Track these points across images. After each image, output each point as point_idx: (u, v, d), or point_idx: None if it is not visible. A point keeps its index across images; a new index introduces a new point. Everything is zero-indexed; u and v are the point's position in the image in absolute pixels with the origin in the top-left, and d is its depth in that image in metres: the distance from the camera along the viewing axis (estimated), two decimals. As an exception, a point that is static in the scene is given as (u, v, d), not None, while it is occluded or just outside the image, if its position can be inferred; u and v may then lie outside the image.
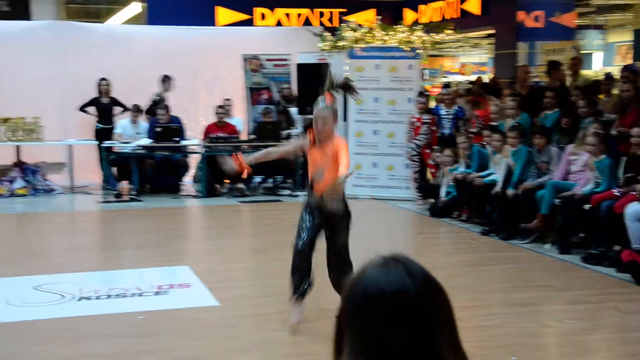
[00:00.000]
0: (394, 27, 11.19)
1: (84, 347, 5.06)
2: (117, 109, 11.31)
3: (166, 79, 11.36)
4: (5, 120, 10.81)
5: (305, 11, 14.80)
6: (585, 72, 12.76)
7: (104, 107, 11.15)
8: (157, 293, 6.27)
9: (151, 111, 11.22)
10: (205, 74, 12.46)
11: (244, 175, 5.33)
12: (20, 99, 11.24)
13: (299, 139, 5.12)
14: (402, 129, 10.41)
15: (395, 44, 10.88)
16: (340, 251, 4.73)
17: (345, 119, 10.77)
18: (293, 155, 5.40)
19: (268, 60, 12.29)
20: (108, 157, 10.83)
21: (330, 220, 4.67)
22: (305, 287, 4.71)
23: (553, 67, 10.14)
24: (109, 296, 6.21)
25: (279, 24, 14.77)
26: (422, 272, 1.30)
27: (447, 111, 10.06)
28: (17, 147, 11.20)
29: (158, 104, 11.18)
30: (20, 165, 11.14)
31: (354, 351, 1.29)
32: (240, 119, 11.84)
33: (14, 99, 11.24)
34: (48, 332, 5.28)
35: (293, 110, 11.39)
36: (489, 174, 8.58)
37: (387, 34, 11.05)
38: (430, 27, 11.79)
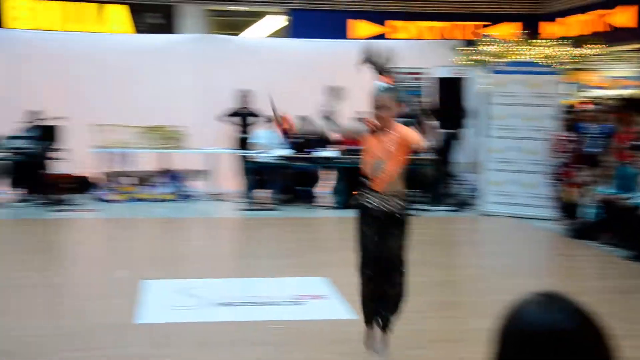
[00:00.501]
0: (536, 41, 12.56)
1: (224, 351, 5.88)
2: (256, 119, 13.27)
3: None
4: (154, 129, 12.97)
5: (441, 24, 16.20)
6: None
7: (244, 117, 13.21)
8: (294, 303, 7.05)
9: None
10: (342, 86, 13.78)
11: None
12: (166, 108, 13.34)
13: (359, 125, 5.30)
14: (543, 146, 11.58)
15: (536, 59, 12.25)
16: (391, 258, 4.87)
17: (485, 135, 12.31)
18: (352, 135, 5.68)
19: (404, 73, 13.38)
20: (248, 166, 12.73)
21: (386, 222, 4.82)
22: (380, 319, 5.05)
23: None
24: (246, 303, 7.05)
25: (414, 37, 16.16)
26: (582, 311, 1.50)
27: (593, 128, 10.96)
28: (164, 154, 13.30)
29: (329, 115, 12.70)
30: (164, 171, 13.31)
31: None
32: None
33: (160, 108, 13.36)
34: (183, 336, 6.12)
35: (434, 123, 12.53)
36: (635, 196, 9.31)
37: (528, 49, 12.45)
38: (577, 42, 12.90)
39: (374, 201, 4.86)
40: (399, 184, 4.91)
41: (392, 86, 5.02)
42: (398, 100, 4.97)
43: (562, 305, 1.53)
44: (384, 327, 5.07)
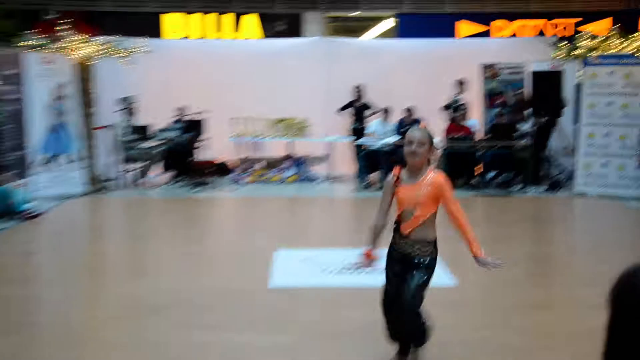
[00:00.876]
0: (631, 35, 12.69)
1: (346, 312, 6.09)
2: (368, 111, 13.75)
3: (461, 83, 13.63)
4: (281, 120, 13.86)
5: (540, 22, 16.48)
6: None
7: (358, 109, 13.72)
8: None
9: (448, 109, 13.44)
10: (447, 81, 14.30)
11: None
12: (292, 102, 14.04)
13: (386, 183, 4.67)
14: (633, 132, 11.92)
15: (631, 52, 12.45)
16: (404, 299, 4.45)
17: (576, 122, 12.86)
18: (390, 207, 4.67)
19: (505, 68, 14.36)
20: (361, 152, 13.26)
21: (407, 266, 4.50)
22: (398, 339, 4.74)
23: None
24: (361, 271, 7.00)
25: (514, 35, 16.53)
26: None
27: None
28: (289, 142, 14.12)
29: (456, 105, 13.39)
30: (291, 157, 14.20)
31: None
32: (477, 121, 13.85)
33: (287, 102, 14.05)
34: (314, 297, 6.47)
35: (527, 112, 13.22)
36: None
37: (623, 43, 12.66)
38: None
39: (400, 244, 4.55)
40: (431, 232, 4.55)
41: (427, 132, 4.50)
42: (432, 143, 4.47)
43: None
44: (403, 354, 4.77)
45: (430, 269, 4.51)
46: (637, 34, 12.77)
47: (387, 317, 4.64)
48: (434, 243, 4.55)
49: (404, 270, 4.53)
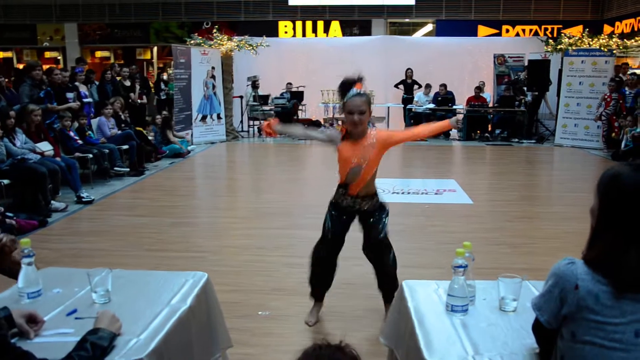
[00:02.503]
0: (596, 36, 12.55)
1: (394, 219, 4.79)
2: (415, 86, 13.73)
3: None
4: None
5: (535, 27, 16.27)
6: None
7: (407, 85, 13.76)
8: (435, 193, 7.40)
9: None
10: (469, 66, 14.69)
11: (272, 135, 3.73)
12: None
13: (330, 131, 3.61)
14: (596, 103, 11.71)
15: (596, 47, 12.26)
16: (378, 244, 3.52)
17: (558, 95, 12.52)
18: (320, 143, 3.60)
19: (509, 57, 14.19)
20: (409, 114, 13.41)
21: (362, 217, 3.52)
22: (319, 293, 3.72)
23: None
24: (409, 193, 7.41)
25: (517, 35, 16.35)
26: None
27: (630, 91, 11.05)
28: None
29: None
30: None
31: (621, 228, 1.49)
32: (489, 94, 13.91)
33: None
34: None
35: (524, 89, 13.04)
36: None
37: (591, 41, 12.45)
38: (624, 37, 12.92)
39: (347, 203, 3.46)
40: (372, 185, 3.48)
41: (364, 92, 3.32)
42: (370, 104, 3.33)
43: None
44: (388, 301, 3.56)
45: (384, 209, 3.53)
46: (600, 35, 12.65)
47: (319, 262, 3.65)
48: (377, 194, 3.53)
49: (350, 220, 3.54)
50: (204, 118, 12.72)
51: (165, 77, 14.45)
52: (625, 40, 12.50)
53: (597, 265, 1.53)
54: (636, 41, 12.64)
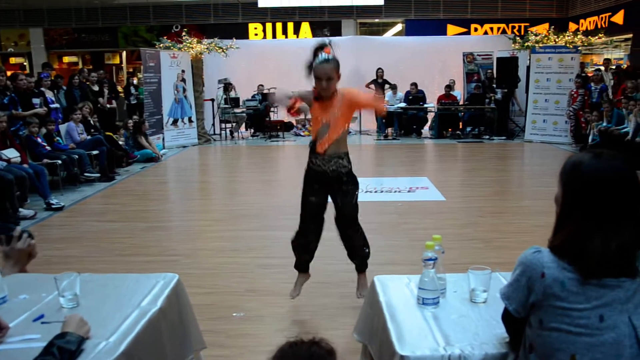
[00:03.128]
0: (562, 34, 12.75)
1: (367, 217, 4.99)
2: (386, 86, 13.61)
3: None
4: None
5: (503, 25, 16.45)
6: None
7: (379, 84, 13.52)
8: (408, 191, 7.41)
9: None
10: (439, 65, 14.68)
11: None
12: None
13: (304, 91, 3.53)
14: (564, 98, 11.91)
15: (563, 44, 12.48)
16: (349, 213, 3.56)
17: (526, 91, 12.75)
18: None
19: (478, 55, 14.31)
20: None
21: (334, 185, 3.51)
22: (304, 263, 3.81)
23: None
24: (381, 191, 7.40)
25: (485, 33, 16.50)
26: (623, 158, 1.51)
27: (595, 87, 11.35)
28: None
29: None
30: None
31: (584, 214, 1.51)
32: (460, 92, 13.85)
33: None
34: None
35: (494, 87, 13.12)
36: (624, 128, 9.54)
37: (557, 39, 12.68)
38: (589, 34, 13.06)
39: (317, 163, 3.47)
40: (343, 146, 3.49)
41: (332, 56, 3.35)
42: (338, 68, 3.37)
43: (612, 156, 1.54)
44: (361, 270, 3.76)
45: (355, 182, 3.55)
46: (566, 33, 12.80)
47: (302, 235, 3.72)
48: (347, 155, 3.52)
49: (325, 188, 3.56)
50: (175, 122, 12.61)
51: (135, 81, 14.28)
52: (589, 37, 12.73)
53: (562, 252, 1.55)
54: (599, 38, 12.90)
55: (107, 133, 9.89)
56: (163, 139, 12.22)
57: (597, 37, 12.84)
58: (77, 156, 8.20)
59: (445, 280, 2.24)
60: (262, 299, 4.06)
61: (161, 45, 12.73)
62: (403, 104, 13.35)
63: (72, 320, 1.82)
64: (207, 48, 13.09)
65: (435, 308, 2.10)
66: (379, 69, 13.82)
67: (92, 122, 9.58)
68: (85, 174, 8.35)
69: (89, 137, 9.07)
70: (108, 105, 11.47)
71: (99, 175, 8.62)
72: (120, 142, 10.25)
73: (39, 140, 7.89)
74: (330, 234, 5.24)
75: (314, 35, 16.76)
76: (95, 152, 8.71)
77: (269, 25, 17.09)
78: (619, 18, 14.02)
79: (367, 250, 3.75)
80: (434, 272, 2.10)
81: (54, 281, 2.11)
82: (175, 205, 7.64)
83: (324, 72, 3.30)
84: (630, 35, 13.72)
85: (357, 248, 3.66)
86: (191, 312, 2.50)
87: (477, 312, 2.08)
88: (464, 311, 2.09)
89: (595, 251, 1.49)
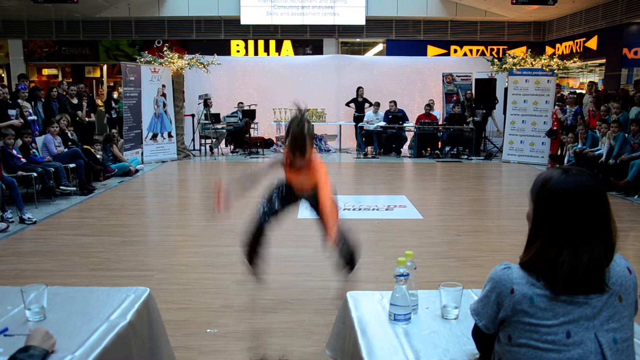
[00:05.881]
0: (538, 57, 12.93)
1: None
2: (366, 104, 13.74)
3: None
4: (306, 110, 14.85)
5: (482, 47, 16.84)
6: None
7: (358, 103, 13.83)
8: (386, 209, 7.40)
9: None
10: (419, 85, 14.82)
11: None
12: (314, 98, 13.62)
13: (274, 158, 3.66)
14: (540, 120, 12.07)
15: (539, 67, 12.65)
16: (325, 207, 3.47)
17: (504, 113, 12.88)
18: (267, 174, 3.71)
19: (457, 76, 14.51)
20: (360, 132, 13.34)
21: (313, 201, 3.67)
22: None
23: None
24: (359, 209, 7.38)
25: (465, 54, 16.82)
26: (593, 175, 1.56)
27: (570, 110, 11.41)
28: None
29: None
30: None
31: (546, 229, 1.53)
32: (439, 112, 14.08)
33: (311, 98, 13.01)
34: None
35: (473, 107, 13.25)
36: (598, 149, 9.71)
37: (534, 62, 12.87)
38: (565, 58, 13.29)
39: (292, 192, 3.74)
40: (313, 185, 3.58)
41: (310, 126, 3.38)
42: (312, 141, 3.40)
43: (580, 172, 1.57)
44: (348, 275, 3.98)
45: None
46: (542, 56, 12.93)
47: (255, 234, 3.87)
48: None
49: (296, 199, 3.71)
50: (154, 136, 12.52)
51: (115, 95, 14.18)
52: (565, 61, 12.98)
53: (532, 267, 1.56)
54: (574, 62, 13.22)
55: (85, 146, 9.78)
56: (142, 153, 12.10)
57: (572, 61, 13.15)
58: (53, 169, 8.09)
59: (417, 296, 2.25)
60: (237, 315, 4.02)
61: (142, 59, 12.67)
62: (383, 123, 13.40)
63: (36, 333, 1.78)
64: (188, 63, 13.05)
65: (406, 324, 2.10)
66: (359, 87, 13.90)
67: (69, 135, 9.48)
68: (61, 187, 8.23)
69: (66, 150, 8.96)
70: (87, 119, 11.36)
71: (75, 188, 8.51)
72: (98, 156, 10.13)
73: (14, 152, 7.77)
74: (306, 250, 5.28)
75: (296, 53, 16.95)
76: (72, 165, 8.60)
77: (251, 42, 17.17)
78: (592, 43, 14.37)
79: (356, 262, 3.95)
80: (405, 288, 2.11)
81: (21, 294, 2.07)
82: (151, 220, 7.54)
83: (301, 142, 3.38)
84: (604, 60, 14.07)
85: (347, 256, 3.88)
86: (162, 327, 2.46)
87: (448, 328, 2.09)
88: (435, 327, 2.09)
89: (563, 266, 1.50)
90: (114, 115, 13.18)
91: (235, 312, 4.08)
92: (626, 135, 9.22)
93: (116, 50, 17.50)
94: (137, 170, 10.79)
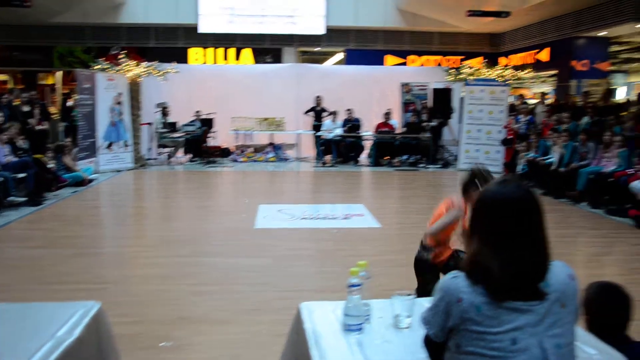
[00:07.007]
0: (493, 67, 13.34)
1: (303, 244, 6.15)
2: (324, 113, 13.75)
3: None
4: (265, 119, 13.86)
5: (439, 57, 17.19)
6: (614, 99, 13.71)
7: (317, 112, 13.83)
8: (344, 218, 7.43)
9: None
10: (377, 94, 14.79)
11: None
12: (274, 107, 13.91)
13: (455, 208, 3.58)
14: (495, 129, 12.31)
15: (494, 77, 13.01)
16: None
17: (460, 122, 13.05)
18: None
19: (415, 85, 14.57)
20: (319, 141, 13.40)
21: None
22: None
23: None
24: (317, 218, 7.40)
25: (422, 65, 17.09)
26: (526, 186, 1.60)
27: (524, 119, 11.76)
28: (271, 134, 14.03)
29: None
30: (271, 144, 14.15)
31: (483, 238, 1.57)
32: (397, 121, 13.94)
33: (270, 107, 13.90)
34: (284, 235, 6.47)
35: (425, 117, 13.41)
36: (549, 158, 9.84)
37: (488, 72, 13.26)
38: (518, 69, 13.66)
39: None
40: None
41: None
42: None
43: (514, 183, 1.62)
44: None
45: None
46: (496, 67, 13.31)
47: None
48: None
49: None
50: (110, 145, 12.28)
51: (71, 103, 13.86)
52: (518, 71, 13.32)
53: (470, 275, 1.58)
54: (527, 73, 13.50)
55: (36, 156, 9.51)
56: (97, 162, 11.85)
57: (525, 72, 13.45)
58: (1, 179, 7.84)
59: (370, 306, 2.26)
60: (192, 327, 3.96)
61: (98, 66, 12.44)
62: (340, 131, 13.45)
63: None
64: (145, 71, 12.86)
65: (359, 334, 2.12)
66: (318, 96, 13.93)
67: (19, 143, 9.21)
68: (10, 198, 7.98)
69: (15, 159, 8.70)
70: (39, 127, 11.06)
71: (25, 199, 8.26)
72: (50, 165, 9.87)
73: (-39, 161, 7.51)
74: (263, 260, 5.27)
75: (256, 61, 16.90)
76: (22, 175, 8.35)
77: (210, 51, 17.06)
78: (545, 55, 14.87)
79: None
80: (358, 298, 2.12)
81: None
82: (106, 230, 7.40)
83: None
84: (556, 72, 14.46)
85: None
86: (113, 342, 2.41)
87: (400, 337, 2.11)
88: (387, 336, 2.11)
89: (496, 273, 1.53)
90: (67, 124, 12.87)
91: (191, 324, 4.03)
92: (575, 144, 9.41)
93: (71, 56, 17.13)
94: (90, 180, 10.52)
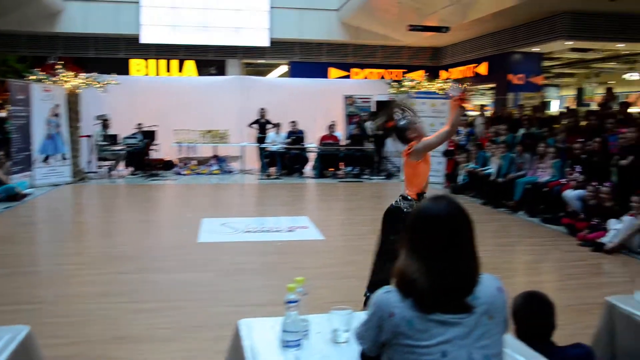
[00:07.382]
0: (434, 81, 13.69)
1: (247, 258, 6.10)
2: (269, 126, 13.76)
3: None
4: (209, 131, 13.80)
5: (382, 70, 17.35)
6: (547, 112, 14.44)
7: (261, 124, 13.79)
8: (288, 231, 7.45)
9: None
10: (322, 106, 14.84)
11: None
12: (217, 119, 13.89)
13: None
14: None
15: (434, 90, 13.34)
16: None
17: None
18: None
19: (358, 98, 14.88)
20: (263, 153, 13.46)
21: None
22: None
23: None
24: (261, 231, 7.42)
25: (365, 77, 17.21)
26: (457, 203, 1.64)
27: (464, 131, 12.09)
28: (214, 146, 13.94)
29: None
30: (215, 157, 14.10)
31: (413, 252, 1.61)
32: (341, 133, 14.31)
33: (214, 119, 13.88)
34: (226, 249, 6.43)
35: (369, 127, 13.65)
36: (488, 169, 10.10)
37: (429, 85, 13.57)
38: (458, 82, 14.05)
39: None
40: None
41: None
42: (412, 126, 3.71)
43: (445, 200, 1.66)
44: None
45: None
46: (437, 80, 13.54)
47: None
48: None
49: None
50: (46, 159, 11.89)
51: (4, 114, 13.35)
52: (458, 84, 13.37)
53: (399, 289, 1.61)
54: (467, 85, 13.68)
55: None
56: (32, 176, 11.44)
57: (465, 85, 13.62)
58: None
59: (309, 321, 2.27)
60: (131, 347, 3.87)
61: (33, 77, 12.03)
62: (287, 141, 13.52)
63: None
64: (84, 82, 12.54)
65: (297, 350, 2.12)
66: (262, 108, 13.94)
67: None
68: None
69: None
70: (-32, 140, 10.59)
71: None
72: (-18, 180, 9.46)
73: None
74: (206, 275, 5.21)
75: (200, 73, 16.72)
76: (-50, 191, 7.97)
77: (152, 62, 16.76)
78: (483, 69, 15.27)
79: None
80: (295, 314, 2.13)
81: None
82: (41, 248, 7.11)
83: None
84: (494, 85, 14.92)
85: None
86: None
87: (339, 352, 2.13)
88: (326, 352, 2.12)
89: (423, 286, 1.56)
90: (1, 137, 12.39)
91: (130, 343, 3.93)
92: (512, 155, 9.62)
93: (3, 66, 16.48)
94: (25, 195, 10.14)
